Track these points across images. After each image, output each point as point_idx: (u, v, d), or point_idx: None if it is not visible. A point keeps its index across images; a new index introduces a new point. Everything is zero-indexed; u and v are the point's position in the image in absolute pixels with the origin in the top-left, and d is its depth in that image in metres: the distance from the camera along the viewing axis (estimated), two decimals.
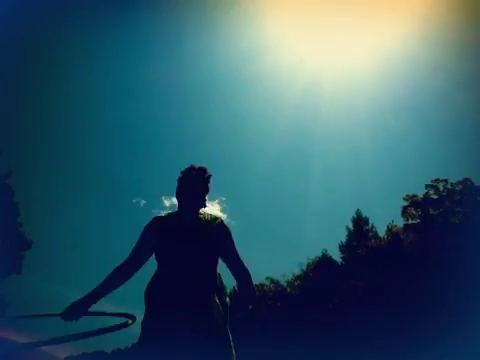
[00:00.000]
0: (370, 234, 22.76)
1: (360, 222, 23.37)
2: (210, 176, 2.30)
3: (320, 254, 23.94)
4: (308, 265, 24.16)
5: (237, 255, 2.21)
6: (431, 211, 21.47)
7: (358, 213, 23.81)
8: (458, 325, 14.14)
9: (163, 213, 2.31)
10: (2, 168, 21.27)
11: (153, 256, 2.18)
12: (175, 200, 2.28)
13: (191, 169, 2.28)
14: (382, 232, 22.59)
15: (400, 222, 22.28)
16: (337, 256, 23.50)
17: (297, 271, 24.70)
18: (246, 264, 2.22)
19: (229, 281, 2.29)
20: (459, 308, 14.88)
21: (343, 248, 23.17)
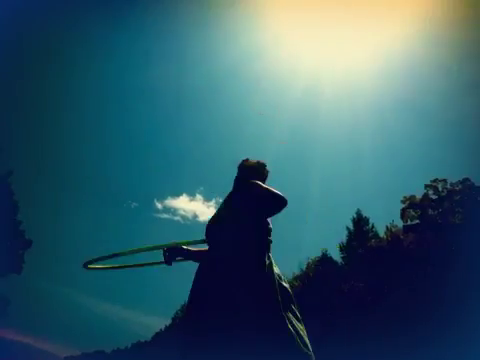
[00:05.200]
0: (370, 234, 22.74)
1: (360, 222, 23.35)
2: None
3: (320, 254, 23.94)
4: (308, 265, 24.15)
5: None
6: (430, 211, 21.45)
7: (358, 213, 23.80)
8: (458, 325, 14.13)
9: None
10: (2, 167, 21.26)
11: None
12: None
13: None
14: (382, 232, 22.60)
15: (400, 222, 22.30)
16: (337, 256, 23.50)
17: (297, 271, 24.70)
18: None
19: None
20: (459, 308, 14.86)
21: (343, 248, 23.15)
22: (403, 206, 22.17)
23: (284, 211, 2.14)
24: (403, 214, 22.01)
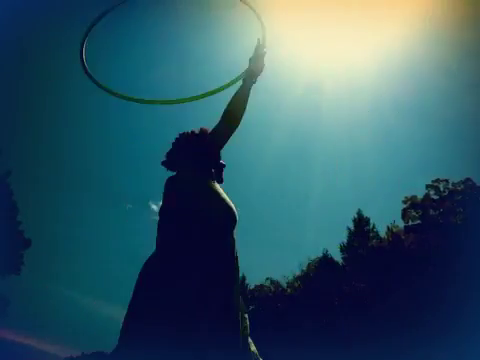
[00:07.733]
0: (371, 234, 22.64)
1: (361, 222, 23.24)
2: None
3: (321, 254, 23.86)
4: (309, 266, 24.08)
5: None
6: (432, 212, 21.38)
7: (359, 213, 23.70)
8: (459, 326, 14.07)
9: None
10: (1, 167, 21.24)
11: None
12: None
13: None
14: (383, 232, 22.51)
15: (401, 222, 22.23)
16: (338, 256, 23.41)
17: (298, 272, 24.63)
18: None
19: None
20: (460, 308, 14.81)
21: (344, 248, 23.06)
22: (404, 206, 22.11)
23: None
24: (404, 214, 21.94)
